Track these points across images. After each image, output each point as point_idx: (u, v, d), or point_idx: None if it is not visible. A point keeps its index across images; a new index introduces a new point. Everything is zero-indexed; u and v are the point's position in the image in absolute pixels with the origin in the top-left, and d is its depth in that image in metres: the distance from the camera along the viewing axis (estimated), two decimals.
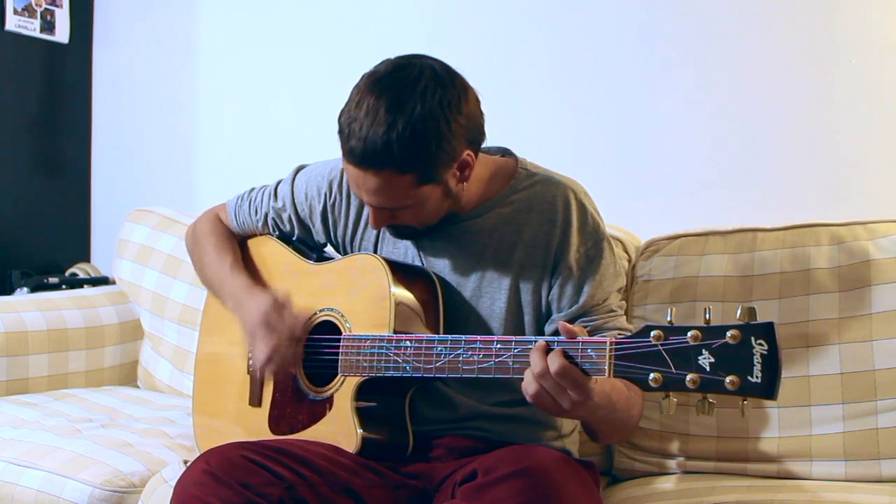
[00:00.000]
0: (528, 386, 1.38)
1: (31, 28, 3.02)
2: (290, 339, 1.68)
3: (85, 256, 3.23)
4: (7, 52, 2.98)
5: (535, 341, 1.40)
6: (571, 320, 1.61)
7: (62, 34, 3.11)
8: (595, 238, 1.66)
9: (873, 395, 1.78)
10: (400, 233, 1.69)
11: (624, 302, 1.73)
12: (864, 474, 1.78)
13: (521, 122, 2.45)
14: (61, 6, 3.09)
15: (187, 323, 2.49)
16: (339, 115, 1.55)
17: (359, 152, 1.51)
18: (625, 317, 1.69)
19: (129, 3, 3.16)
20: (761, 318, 1.24)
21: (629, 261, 2.06)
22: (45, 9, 3.05)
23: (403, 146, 1.49)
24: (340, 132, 1.54)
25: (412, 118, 1.48)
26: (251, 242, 1.93)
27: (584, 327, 1.61)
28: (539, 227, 1.66)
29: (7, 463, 1.95)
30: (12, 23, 2.97)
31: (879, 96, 2.13)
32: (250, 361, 1.80)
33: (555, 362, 1.34)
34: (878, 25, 2.12)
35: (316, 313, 1.72)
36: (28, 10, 3.00)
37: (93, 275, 3.05)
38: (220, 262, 1.87)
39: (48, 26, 3.06)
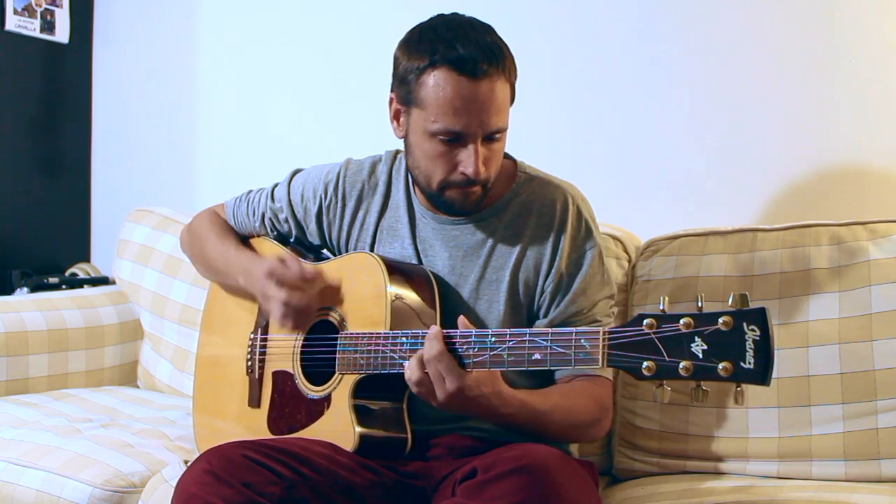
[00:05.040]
0: (413, 373, 1.45)
1: (31, 28, 3.02)
2: (301, 283, 1.67)
3: (85, 256, 3.23)
4: (7, 52, 2.98)
5: (528, 334, 1.41)
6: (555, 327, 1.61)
7: (62, 34, 3.11)
8: (585, 246, 1.67)
9: (873, 395, 1.78)
10: (468, 200, 1.63)
11: (614, 309, 1.73)
12: (864, 474, 1.78)
13: (520, 122, 2.42)
14: (61, 6, 3.09)
15: (187, 323, 2.49)
16: (417, 42, 1.56)
17: (479, 55, 1.51)
18: (613, 325, 1.68)
19: (129, 3, 3.16)
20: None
21: (629, 261, 2.06)
22: (45, 9, 3.05)
23: (508, 50, 1.56)
24: (435, 52, 1.52)
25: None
26: (249, 242, 1.92)
27: None
28: (537, 231, 1.67)
29: (7, 463, 1.95)
30: (12, 23, 2.97)
31: (879, 96, 2.13)
32: (248, 349, 1.80)
33: (434, 347, 1.42)
34: (877, 25, 2.12)
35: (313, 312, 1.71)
36: (28, 10, 3.00)
37: (93, 275, 3.05)
38: (224, 246, 1.88)
39: (48, 26, 3.06)
